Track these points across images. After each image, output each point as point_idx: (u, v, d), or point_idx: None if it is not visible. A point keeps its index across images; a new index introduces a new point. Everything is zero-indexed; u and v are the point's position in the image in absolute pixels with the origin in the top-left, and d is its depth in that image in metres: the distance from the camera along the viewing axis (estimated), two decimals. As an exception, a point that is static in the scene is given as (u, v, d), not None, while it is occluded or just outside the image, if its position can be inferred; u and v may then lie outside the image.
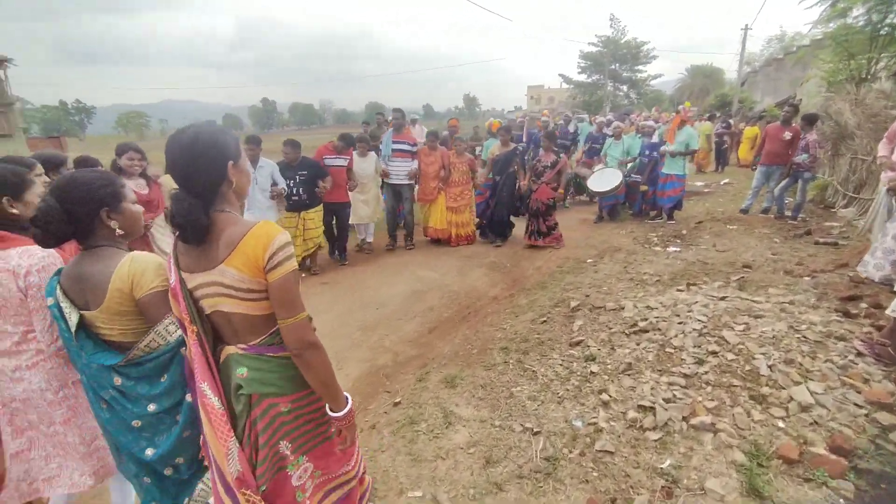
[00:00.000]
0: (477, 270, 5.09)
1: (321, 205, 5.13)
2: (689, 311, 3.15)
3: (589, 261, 5.01)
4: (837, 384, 2.32)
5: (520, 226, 6.20)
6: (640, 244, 5.61)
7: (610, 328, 3.18)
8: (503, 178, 5.91)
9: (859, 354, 2.52)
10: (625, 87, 31.44)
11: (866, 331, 2.81)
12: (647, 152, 6.72)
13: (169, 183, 3.67)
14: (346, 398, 1.31)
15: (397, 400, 2.68)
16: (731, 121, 11.88)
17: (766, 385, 2.36)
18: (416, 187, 6.07)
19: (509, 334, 3.37)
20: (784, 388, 2.31)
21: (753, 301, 3.23)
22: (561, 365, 2.82)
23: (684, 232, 6.01)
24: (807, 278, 3.89)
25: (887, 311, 2.48)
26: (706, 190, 9.26)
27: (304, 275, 5.12)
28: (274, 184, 4.63)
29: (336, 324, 3.79)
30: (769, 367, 2.44)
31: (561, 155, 5.83)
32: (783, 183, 6.27)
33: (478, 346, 3.27)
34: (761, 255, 4.68)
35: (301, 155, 4.95)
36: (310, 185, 4.89)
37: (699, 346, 2.73)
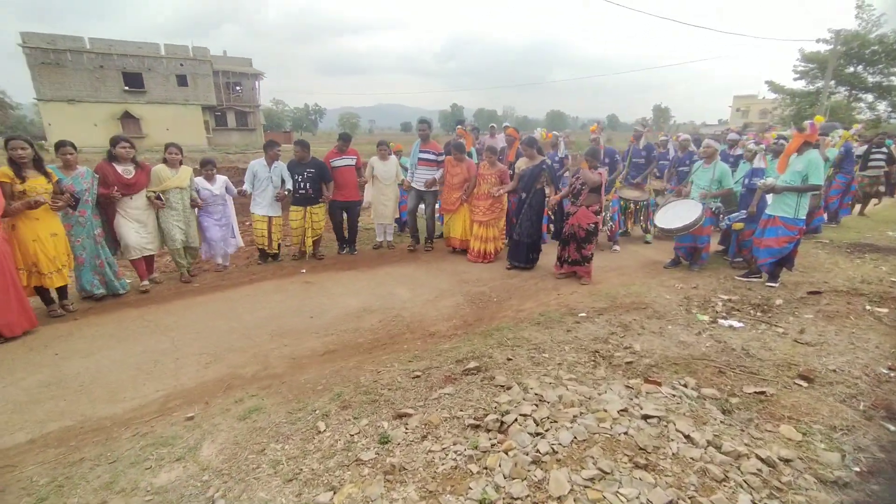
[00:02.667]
0: (455, 299, 4.47)
1: (322, 205, 5.49)
2: (569, 423, 2.13)
3: (582, 314, 3.87)
4: None
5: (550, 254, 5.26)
6: (685, 307, 4.06)
7: (462, 410, 2.40)
8: (529, 195, 5.14)
9: None
10: (869, 97, 22.96)
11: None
12: (747, 180, 4.81)
13: (159, 171, 4.32)
14: None
15: (191, 415, 2.55)
16: None
17: (526, 585, 1.41)
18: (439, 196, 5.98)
19: (370, 380, 2.85)
20: None
21: (686, 437, 1.99)
22: (352, 436, 2.25)
23: (778, 302, 4.10)
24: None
25: None
26: (904, 248, 6.13)
27: (304, 270, 5.35)
28: (283, 182, 5.19)
29: (255, 325, 3.82)
30: (555, 556, 1.45)
31: (600, 172, 4.71)
32: None
33: (331, 384, 2.86)
34: (859, 368, 2.87)
35: (311, 156, 5.36)
36: (316, 182, 5.31)
37: (511, 479, 1.82)
